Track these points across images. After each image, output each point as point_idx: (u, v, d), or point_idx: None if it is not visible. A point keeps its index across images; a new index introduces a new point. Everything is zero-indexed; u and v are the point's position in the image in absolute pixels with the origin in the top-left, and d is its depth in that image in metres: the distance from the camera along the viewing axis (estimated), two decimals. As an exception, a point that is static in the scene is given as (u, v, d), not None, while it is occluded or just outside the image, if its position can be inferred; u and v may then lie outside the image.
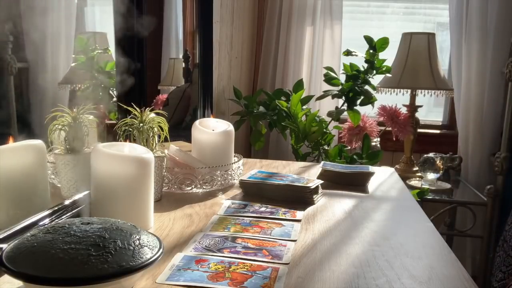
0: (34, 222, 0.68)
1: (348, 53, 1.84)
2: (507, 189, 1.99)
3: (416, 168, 2.11)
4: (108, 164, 0.74)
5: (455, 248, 2.21)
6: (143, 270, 0.54)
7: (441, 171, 1.97)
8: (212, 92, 1.46)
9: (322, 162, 1.32)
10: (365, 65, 1.81)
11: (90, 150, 0.78)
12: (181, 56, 1.48)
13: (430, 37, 2.03)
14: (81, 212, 0.79)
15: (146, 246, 0.56)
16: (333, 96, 1.84)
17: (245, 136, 2.32)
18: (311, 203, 0.98)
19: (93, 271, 0.50)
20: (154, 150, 0.93)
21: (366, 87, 1.80)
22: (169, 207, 0.92)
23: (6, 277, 0.57)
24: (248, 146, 2.33)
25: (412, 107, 2.08)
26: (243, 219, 0.85)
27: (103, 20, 1.09)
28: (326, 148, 1.76)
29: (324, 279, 0.63)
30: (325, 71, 1.89)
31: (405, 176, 2.03)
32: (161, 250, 0.58)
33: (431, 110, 2.51)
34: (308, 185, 0.99)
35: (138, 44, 1.03)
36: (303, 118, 1.75)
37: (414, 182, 2.00)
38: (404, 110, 2.04)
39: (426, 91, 2.03)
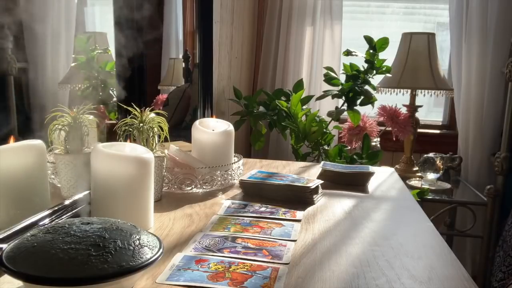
0: (34, 222, 0.68)
1: (348, 53, 1.84)
2: (507, 189, 1.99)
3: (416, 168, 2.11)
4: (108, 164, 0.74)
5: (455, 248, 2.21)
6: (143, 270, 0.54)
7: (441, 171, 1.97)
8: (212, 92, 1.46)
9: (322, 162, 1.32)
10: (365, 65, 1.81)
11: (90, 150, 0.78)
12: (181, 56, 1.48)
13: (430, 37, 2.03)
14: (81, 212, 0.79)
15: (146, 246, 0.56)
16: (333, 96, 1.84)
17: (245, 136, 2.32)
18: (311, 203, 0.98)
19: (93, 271, 0.50)
20: (154, 150, 0.93)
21: (366, 87, 1.80)
22: (169, 207, 0.92)
23: (6, 277, 0.57)
24: (248, 146, 2.33)
25: (412, 107, 2.08)
26: (243, 219, 0.85)
27: (103, 20, 1.09)
28: (326, 148, 1.76)
29: (324, 279, 0.63)
30: (325, 71, 1.89)
31: (405, 176, 2.03)
32: (161, 250, 0.58)
33: (431, 110, 2.51)
34: (308, 185, 0.99)
35: (139, 44, 1.03)
36: (303, 118, 1.75)
37: (414, 182, 2.00)
38: (404, 110, 2.04)
39: (426, 91, 2.03)
